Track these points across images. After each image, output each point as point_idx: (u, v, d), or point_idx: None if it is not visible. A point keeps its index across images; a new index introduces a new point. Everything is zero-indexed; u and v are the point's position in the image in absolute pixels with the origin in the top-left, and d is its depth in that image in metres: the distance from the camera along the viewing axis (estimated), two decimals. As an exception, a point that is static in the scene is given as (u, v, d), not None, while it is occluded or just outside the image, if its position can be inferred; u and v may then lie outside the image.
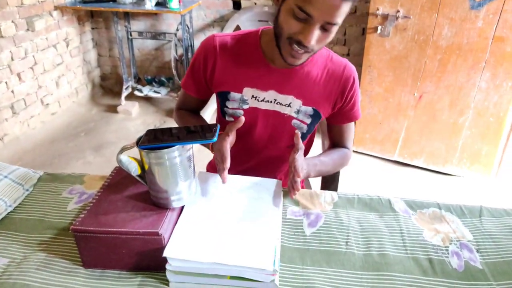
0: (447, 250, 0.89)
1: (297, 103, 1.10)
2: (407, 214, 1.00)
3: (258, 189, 0.99)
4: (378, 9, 2.32)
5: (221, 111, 1.17)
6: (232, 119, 1.15)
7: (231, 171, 1.00)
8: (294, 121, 1.13)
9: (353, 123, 1.21)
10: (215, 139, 0.82)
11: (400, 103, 2.51)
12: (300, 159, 0.98)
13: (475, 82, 2.27)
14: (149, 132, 0.86)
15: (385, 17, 2.32)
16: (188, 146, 0.85)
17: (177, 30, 3.23)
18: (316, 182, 1.49)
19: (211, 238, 0.82)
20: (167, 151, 0.80)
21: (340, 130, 1.20)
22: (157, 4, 3.01)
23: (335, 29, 0.91)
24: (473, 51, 2.20)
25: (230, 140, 1.00)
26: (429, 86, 2.39)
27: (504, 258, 0.87)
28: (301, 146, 1.00)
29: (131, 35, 3.39)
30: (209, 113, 3.02)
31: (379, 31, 2.36)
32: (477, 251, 0.89)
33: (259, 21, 3.17)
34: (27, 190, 1.09)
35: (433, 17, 2.22)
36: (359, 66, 3.23)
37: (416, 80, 2.40)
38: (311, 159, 1.10)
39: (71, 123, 3.25)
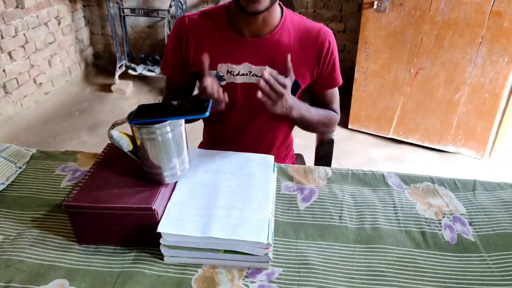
0: (440, 223, 0.90)
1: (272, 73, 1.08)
2: (400, 189, 1.01)
3: (251, 164, 0.98)
4: (374, -16, 2.28)
5: None
6: None
7: (218, 149, 1.00)
8: None
9: (336, 89, 1.19)
10: (207, 113, 0.81)
11: (396, 80, 2.50)
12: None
13: (472, 58, 2.25)
14: (141, 107, 0.85)
15: (381, -9, 2.28)
16: (180, 121, 0.83)
17: (170, 6, 3.17)
18: (309, 159, 1.49)
19: (205, 213, 0.82)
20: (159, 126, 0.79)
21: (324, 97, 1.19)
22: (149, -21, 2.95)
23: None
24: (470, 27, 2.18)
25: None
26: (425, 62, 2.37)
27: (496, 231, 0.88)
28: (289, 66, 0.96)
29: (123, 12, 3.33)
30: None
31: (375, 6, 2.33)
32: (470, 224, 0.90)
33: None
34: (20, 167, 1.08)
35: (430, -8, 2.18)
36: (354, 43, 3.20)
37: (412, 56, 2.38)
38: (299, 101, 1.06)
39: (65, 103, 3.21)
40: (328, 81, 1.15)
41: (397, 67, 2.46)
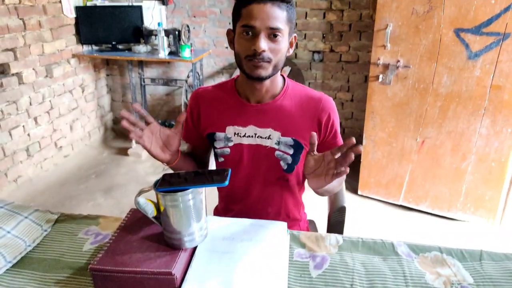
0: (449, 293, 0.92)
1: (276, 134, 1.19)
2: (410, 258, 1.04)
3: (266, 232, 1.04)
4: (379, 59, 2.44)
5: (214, 154, 1.30)
6: (223, 159, 1.26)
7: (227, 213, 1.06)
8: (277, 152, 1.21)
9: None
10: (226, 182, 0.88)
11: (403, 147, 2.58)
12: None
13: (476, 128, 2.33)
14: (166, 176, 0.93)
15: (386, 66, 2.44)
16: (201, 189, 0.91)
17: (188, 77, 3.39)
18: (322, 225, 1.53)
19: (226, 281, 0.86)
20: (182, 194, 0.87)
21: None
22: (170, 53, 3.18)
23: (282, 37, 1.06)
24: (472, 99, 2.29)
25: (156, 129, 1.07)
26: (431, 131, 2.46)
27: (505, 302, 0.89)
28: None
29: (144, 82, 3.55)
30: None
31: (380, 79, 2.47)
32: (478, 295, 0.92)
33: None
34: (46, 230, 1.14)
35: (432, 67, 2.33)
36: (362, 111, 3.34)
37: (418, 126, 2.48)
38: None
39: (83, 166, 3.33)
40: (331, 146, 1.22)
41: (404, 135, 2.55)
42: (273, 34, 1.05)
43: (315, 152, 1.02)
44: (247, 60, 1.08)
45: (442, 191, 2.55)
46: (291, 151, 1.21)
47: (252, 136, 1.21)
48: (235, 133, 1.21)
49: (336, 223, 1.37)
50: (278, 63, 1.10)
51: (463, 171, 2.45)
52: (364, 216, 2.63)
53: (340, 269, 0.99)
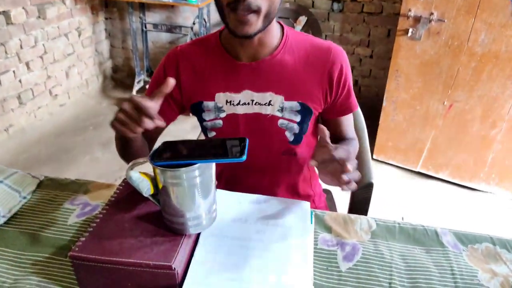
0: (509, 299, 0.75)
1: (278, 99, 0.96)
2: (457, 250, 0.86)
3: (285, 213, 0.86)
4: (410, 10, 2.16)
5: (202, 128, 1.06)
6: (215, 134, 1.03)
7: None
8: (280, 121, 0.99)
9: (351, 114, 1.07)
10: (244, 157, 0.68)
11: (428, 111, 2.36)
12: (339, 150, 0.77)
13: (511, 94, 2.11)
14: (166, 145, 0.73)
15: (417, 19, 2.16)
16: (211, 164, 0.71)
17: (194, 23, 3.11)
18: (338, 197, 1.36)
19: (235, 276, 0.69)
20: (186, 170, 0.67)
21: (339, 125, 1.06)
22: (174, -5, 2.89)
23: None
24: (512, 60, 2.04)
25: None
26: (460, 95, 2.23)
27: None
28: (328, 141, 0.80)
29: (145, 27, 3.28)
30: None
31: (409, 33, 2.21)
32: (546, 303, 0.75)
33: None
34: (24, 198, 0.97)
35: (470, 22, 2.06)
36: (381, 69, 3.09)
37: (447, 88, 2.25)
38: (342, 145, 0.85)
39: (80, 116, 3.14)
40: (344, 108, 1.03)
41: (430, 98, 2.32)
42: None
43: (329, 146, 0.77)
44: (230, 10, 0.82)
45: (466, 160, 2.37)
46: (297, 118, 0.98)
47: (248, 104, 0.97)
48: (227, 101, 0.97)
49: (361, 200, 1.19)
50: (271, 11, 0.84)
51: (492, 139, 2.25)
52: (378, 182, 2.46)
53: (375, 262, 0.82)
